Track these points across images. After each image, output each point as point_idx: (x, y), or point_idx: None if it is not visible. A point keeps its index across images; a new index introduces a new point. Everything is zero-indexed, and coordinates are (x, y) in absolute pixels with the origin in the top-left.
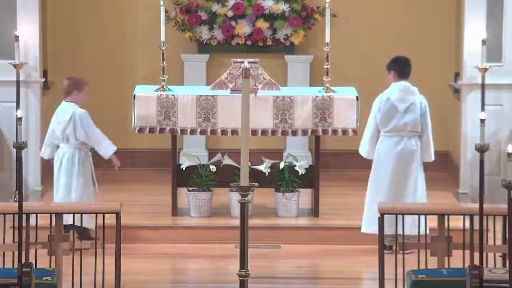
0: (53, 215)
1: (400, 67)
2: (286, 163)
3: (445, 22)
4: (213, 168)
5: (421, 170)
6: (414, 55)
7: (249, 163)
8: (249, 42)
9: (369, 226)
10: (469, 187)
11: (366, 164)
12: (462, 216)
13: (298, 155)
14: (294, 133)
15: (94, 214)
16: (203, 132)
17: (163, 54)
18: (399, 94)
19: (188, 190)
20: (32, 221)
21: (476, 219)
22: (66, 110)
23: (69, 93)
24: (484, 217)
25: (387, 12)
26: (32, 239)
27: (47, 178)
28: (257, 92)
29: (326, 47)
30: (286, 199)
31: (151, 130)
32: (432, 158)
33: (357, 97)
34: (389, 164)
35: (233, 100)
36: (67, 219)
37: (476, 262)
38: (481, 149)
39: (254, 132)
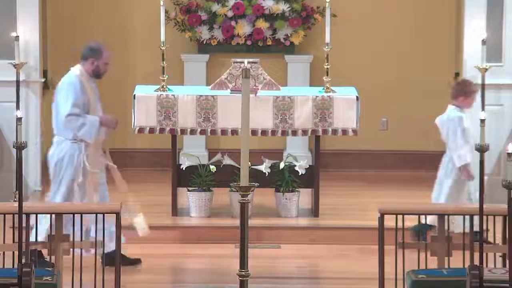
0: (53, 215)
1: None
2: (286, 163)
3: (445, 22)
4: (213, 168)
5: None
6: (414, 55)
7: (249, 163)
8: (249, 42)
9: None
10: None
11: (366, 164)
12: (462, 216)
13: (298, 155)
14: (294, 133)
15: None
16: (203, 132)
17: (163, 54)
18: None
19: (188, 190)
20: (32, 221)
21: (476, 219)
22: (451, 112)
23: (456, 97)
24: (484, 217)
25: (387, 12)
26: (32, 239)
27: (47, 178)
28: (257, 92)
29: (326, 47)
30: (286, 199)
31: (151, 130)
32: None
33: (357, 97)
34: None
35: (233, 100)
36: None
37: (476, 262)
38: (481, 149)
39: (254, 132)
